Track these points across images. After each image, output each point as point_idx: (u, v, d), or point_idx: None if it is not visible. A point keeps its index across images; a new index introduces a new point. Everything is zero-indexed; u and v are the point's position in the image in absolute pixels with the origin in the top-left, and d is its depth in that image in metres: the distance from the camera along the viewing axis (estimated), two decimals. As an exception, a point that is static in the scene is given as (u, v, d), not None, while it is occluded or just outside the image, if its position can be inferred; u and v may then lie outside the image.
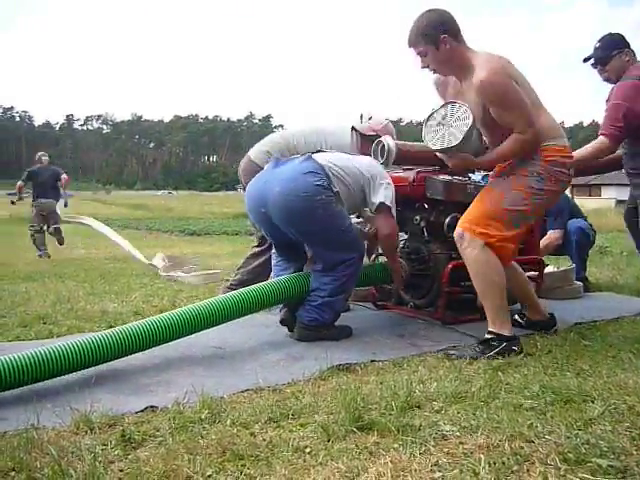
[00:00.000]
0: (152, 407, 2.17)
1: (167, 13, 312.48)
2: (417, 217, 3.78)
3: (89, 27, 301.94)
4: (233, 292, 3.11)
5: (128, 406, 2.18)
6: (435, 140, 2.96)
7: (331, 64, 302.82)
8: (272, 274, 3.53)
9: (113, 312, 3.96)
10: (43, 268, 6.73)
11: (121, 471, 1.66)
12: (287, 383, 2.47)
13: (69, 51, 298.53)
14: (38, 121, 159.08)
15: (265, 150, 4.07)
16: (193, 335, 2.88)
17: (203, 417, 2.03)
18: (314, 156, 3.23)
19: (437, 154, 3.21)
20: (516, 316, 3.40)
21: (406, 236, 3.98)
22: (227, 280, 4.48)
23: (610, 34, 3.91)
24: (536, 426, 1.89)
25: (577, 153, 3.65)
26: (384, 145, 3.64)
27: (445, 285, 3.53)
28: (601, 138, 3.73)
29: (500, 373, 2.52)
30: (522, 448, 1.73)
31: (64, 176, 10.32)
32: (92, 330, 3.39)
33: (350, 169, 3.26)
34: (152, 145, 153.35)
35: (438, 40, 2.87)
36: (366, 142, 4.02)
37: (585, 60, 3.90)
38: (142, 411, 2.15)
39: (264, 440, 1.85)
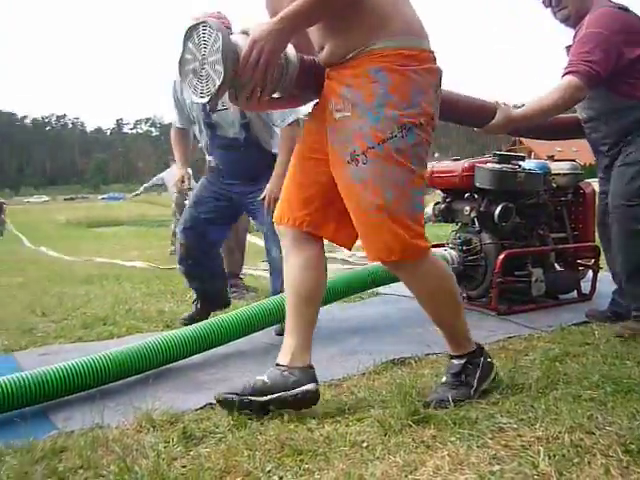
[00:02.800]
0: (211, 404, 2.21)
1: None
2: (467, 208, 3.75)
3: (136, 32, 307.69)
4: None
5: (188, 403, 2.23)
6: (200, 90, 1.88)
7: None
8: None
9: (169, 312, 4.03)
10: (101, 272, 6.90)
11: (183, 467, 1.70)
12: (342, 378, 2.48)
13: (119, 56, 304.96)
14: (90, 127, 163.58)
15: None
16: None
17: (261, 413, 2.05)
18: None
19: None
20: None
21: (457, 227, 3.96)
22: None
23: None
24: (596, 417, 1.85)
25: (531, 105, 2.68)
26: None
27: (497, 275, 3.49)
28: (569, 78, 2.57)
29: (558, 364, 2.48)
30: (582, 440, 1.70)
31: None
32: (150, 330, 3.47)
33: None
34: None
35: None
36: None
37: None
38: (202, 408, 2.19)
39: (321, 435, 1.86)
